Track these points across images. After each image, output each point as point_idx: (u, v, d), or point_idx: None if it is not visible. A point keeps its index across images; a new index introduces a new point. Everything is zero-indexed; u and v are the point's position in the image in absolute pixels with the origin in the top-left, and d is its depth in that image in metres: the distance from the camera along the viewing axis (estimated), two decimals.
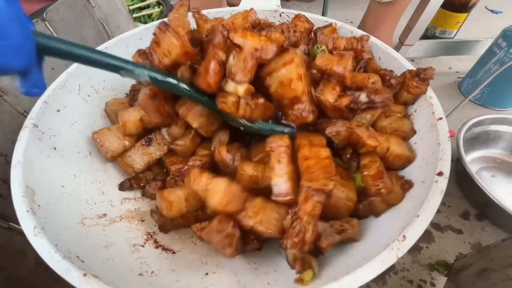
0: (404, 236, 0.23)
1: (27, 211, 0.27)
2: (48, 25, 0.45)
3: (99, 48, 0.48)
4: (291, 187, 0.31)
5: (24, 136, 0.34)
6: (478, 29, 1.32)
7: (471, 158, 0.75)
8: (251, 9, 0.50)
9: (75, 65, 0.45)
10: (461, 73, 1.03)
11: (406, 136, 0.37)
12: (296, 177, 0.32)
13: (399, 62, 0.43)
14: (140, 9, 1.16)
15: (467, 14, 0.99)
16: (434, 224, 0.65)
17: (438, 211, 0.67)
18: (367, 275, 0.21)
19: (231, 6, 1.30)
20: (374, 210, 0.33)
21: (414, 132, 0.38)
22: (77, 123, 0.43)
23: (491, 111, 0.89)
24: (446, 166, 0.28)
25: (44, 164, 0.35)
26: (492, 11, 1.48)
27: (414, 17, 0.90)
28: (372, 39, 0.48)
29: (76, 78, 0.44)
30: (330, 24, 0.50)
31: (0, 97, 0.38)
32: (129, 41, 0.52)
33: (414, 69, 0.39)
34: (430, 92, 0.36)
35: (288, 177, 0.31)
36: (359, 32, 0.49)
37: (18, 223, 0.37)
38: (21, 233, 0.38)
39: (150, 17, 1.13)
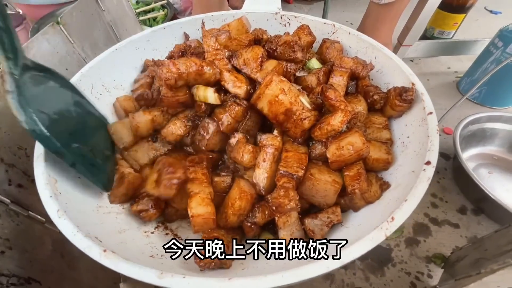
0: (392, 218, 0.25)
1: (50, 196, 0.30)
2: (62, 29, 0.48)
3: (110, 49, 0.51)
4: (267, 182, 0.37)
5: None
6: (477, 29, 1.34)
7: (468, 155, 0.77)
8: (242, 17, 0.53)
9: (88, 66, 0.48)
10: (460, 73, 1.05)
11: (384, 144, 0.41)
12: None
13: (393, 62, 0.45)
14: (146, 12, 1.20)
15: (464, 15, 1.01)
16: (431, 219, 0.66)
17: (436, 206, 0.69)
18: (359, 250, 0.24)
19: (234, 8, 1.33)
20: (354, 205, 0.36)
21: (392, 141, 0.41)
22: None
23: (489, 109, 0.90)
24: (434, 156, 0.30)
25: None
26: (491, 11, 1.49)
27: (412, 18, 0.92)
28: (368, 39, 0.50)
29: (89, 77, 0.47)
30: (338, 42, 0.52)
31: None
32: (138, 43, 0.55)
33: (399, 87, 0.42)
34: (421, 89, 0.38)
35: (268, 175, 0.37)
36: (356, 34, 0.52)
37: (36, 212, 0.40)
38: (39, 221, 0.40)
39: (155, 20, 1.16)
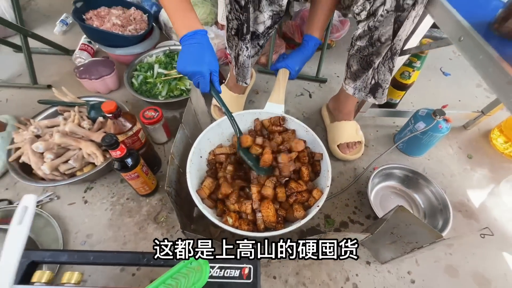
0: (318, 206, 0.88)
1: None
2: (185, 130, 1.10)
3: (202, 133, 1.13)
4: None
5: (191, 154, 1.01)
6: (427, 89, 1.80)
7: (383, 185, 1.37)
8: None
9: (196, 142, 1.09)
10: (399, 127, 1.61)
11: None
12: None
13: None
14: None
15: (404, 92, 1.55)
16: (350, 219, 1.27)
17: (355, 213, 1.31)
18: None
19: (261, 65, 1.84)
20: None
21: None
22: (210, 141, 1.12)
23: (407, 156, 1.48)
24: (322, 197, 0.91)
25: (192, 170, 1.02)
26: (443, 73, 1.85)
27: None
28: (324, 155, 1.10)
29: (195, 148, 1.09)
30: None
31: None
32: (211, 132, 1.16)
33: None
34: (328, 167, 0.99)
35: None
36: (305, 127, 1.12)
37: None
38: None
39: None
